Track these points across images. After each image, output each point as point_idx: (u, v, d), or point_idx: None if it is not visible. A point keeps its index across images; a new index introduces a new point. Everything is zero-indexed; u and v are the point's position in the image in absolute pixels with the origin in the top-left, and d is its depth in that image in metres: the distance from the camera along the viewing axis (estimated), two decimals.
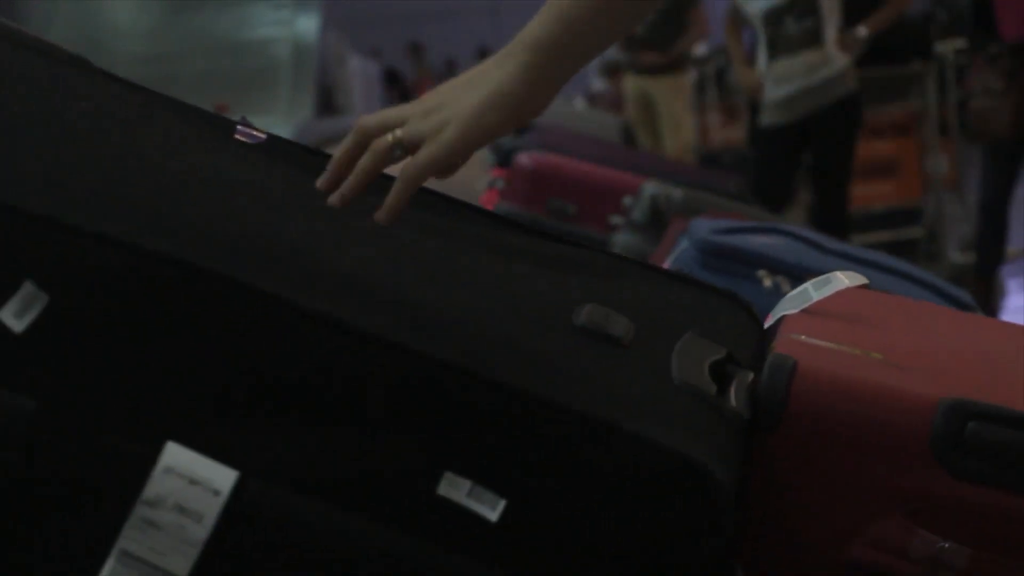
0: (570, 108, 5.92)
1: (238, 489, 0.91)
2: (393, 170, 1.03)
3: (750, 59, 5.10)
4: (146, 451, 0.90)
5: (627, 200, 2.65)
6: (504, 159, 3.19)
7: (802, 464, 1.02)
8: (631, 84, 6.69)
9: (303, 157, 1.15)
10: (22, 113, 1.06)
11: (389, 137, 0.97)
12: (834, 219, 4.74)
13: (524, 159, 3.02)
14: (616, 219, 2.68)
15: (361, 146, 0.99)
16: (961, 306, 1.92)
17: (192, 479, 0.90)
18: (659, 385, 1.00)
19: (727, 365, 1.06)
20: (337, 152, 0.99)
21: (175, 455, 0.90)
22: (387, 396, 0.93)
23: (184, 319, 0.92)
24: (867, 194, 6.05)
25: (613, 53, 9.45)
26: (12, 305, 0.90)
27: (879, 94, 6.01)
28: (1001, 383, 1.07)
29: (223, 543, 0.90)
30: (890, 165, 6.28)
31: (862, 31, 4.81)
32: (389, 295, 0.99)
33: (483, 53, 14.66)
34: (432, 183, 1.04)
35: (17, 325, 0.90)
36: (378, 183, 1.03)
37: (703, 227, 1.98)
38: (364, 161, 0.97)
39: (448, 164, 0.95)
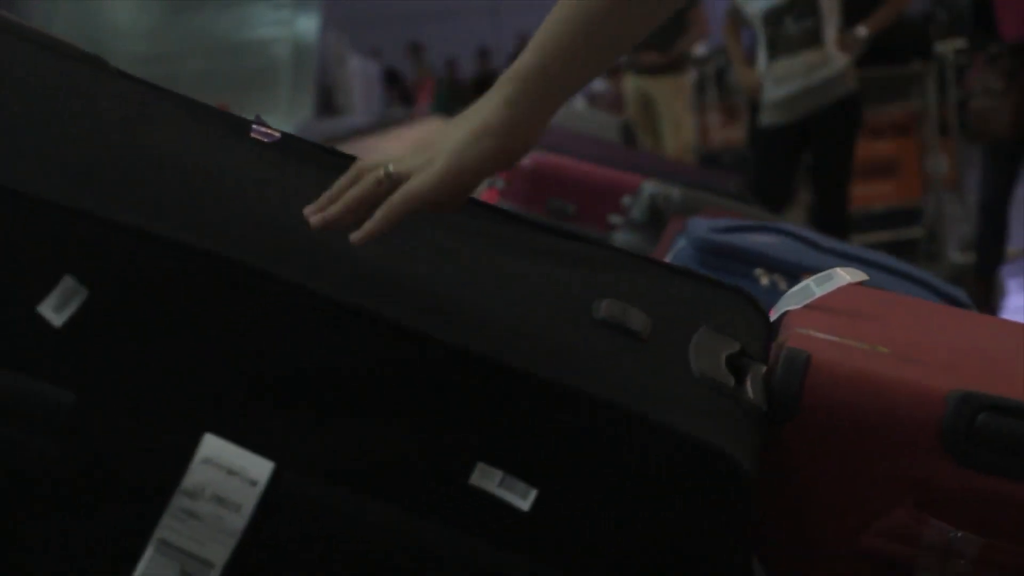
0: (570, 108, 5.92)
1: (274, 479, 0.92)
2: None
3: (750, 59, 5.10)
4: (183, 443, 0.92)
5: (626, 200, 2.65)
6: None
7: (815, 456, 1.05)
8: (631, 84, 6.69)
9: (318, 155, 1.17)
10: (55, 112, 1.09)
11: (380, 170, 0.98)
12: (834, 219, 4.74)
13: (524, 159, 3.02)
14: (615, 218, 2.68)
15: (354, 180, 1.00)
16: (957, 304, 1.93)
17: (230, 470, 0.92)
18: (680, 377, 1.03)
19: (741, 358, 1.08)
20: (332, 186, 1.01)
21: (213, 446, 0.92)
22: (420, 388, 0.94)
23: (219, 312, 0.93)
24: (867, 194, 6.05)
25: None
26: (52, 299, 0.91)
27: (879, 94, 6.02)
28: (1000, 377, 1.09)
29: (259, 533, 0.92)
30: (890, 165, 6.28)
31: (862, 31, 4.81)
32: (421, 289, 1.01)
33: (483, 53, 14.68)
34: None
35: (56, 319, 0.92)
36: None
37: (701, 226, 1.99)
38: (352, 190, 0.98)
39: (434, 195, 0.96)
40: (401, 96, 14.03)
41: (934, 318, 1.39)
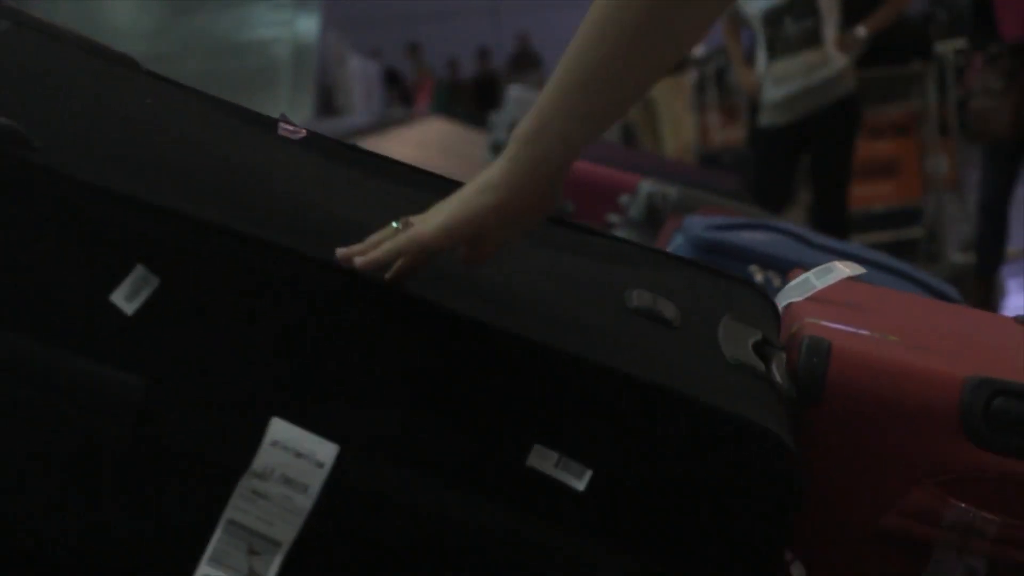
0: None
1: (338, 462, 0.95)
2: None
3: (749, 59, 5.10)
4: (251, 427, 0.95)
5: (624, 199, 2.66)
6: None
7: (837, 440, 1.08)
8: None
9: (342, 151, 1.22)
10: (111, 111, 1.13)
11: (400, 221, 1.02)
12: (834, 219, 4.74)
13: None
14: (613, 217, 2.69)
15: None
16: (947, 300, 1.97)
17: (297, 452, 0.95)
18: (716, 363, 1.07)
19: (764, 346, 1.12)
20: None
21: (280, 430, 0.95)
22: (479, 373, 0.98)
23: (284, 301, 0.97)
24: (867, 194, 6.05)
25: None
26: (124, 288, 0.95)
27: (879, 94, 6.02)
28: (1000, 364, 1.13)
29: (323, 513, 0.95)
30: (890, 165, 6.28)
31: (861, 31, 4.81)
32: (478, 282, 1.05)
33: (483, 53, 14.68)
34: None
35: (128, 307, 0.95)
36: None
37: (697, 224, 2.02)
38: (374, 236, 1.01)
39: (434, 242, 0.99)
40: (401, 96, 14.03)
41: (928, 311, 1.44)
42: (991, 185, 4.72)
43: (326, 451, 0.95)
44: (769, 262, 1.90)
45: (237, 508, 0.95)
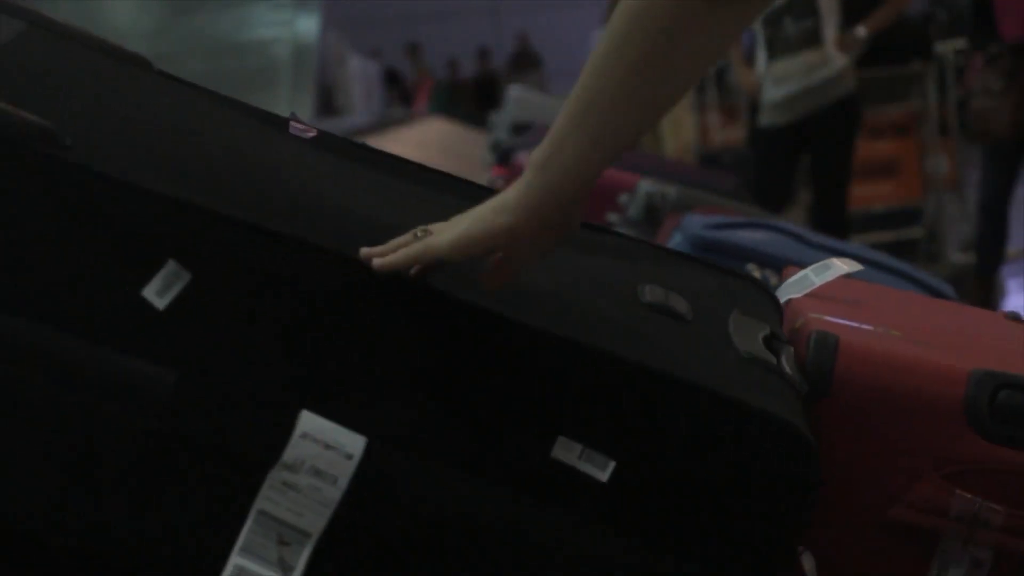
0: None
1: (366, 454, 0.97)
2: None
3: (749, 59, 5.10)
4: (281, 419, 0.97)
5: (623, 198, 2.66)
6: (504, 158, 3.19)
7: (845, 434, 1.09)
8: None
9: (353, 151, 1.24)
10: (136, 109, 1.16)
11: (420, 229, 1.03)
12: (834, 219, 4.75)
13: (523, 158, 3.02)
14: (612, 216, 2.69)
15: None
16: (942, 298, 1.98)
17: (327, 444, 0.96)
18: (730, 356, 1.09)
19: (773, 340, 1.14)
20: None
21: (310, 422, 0.97)
22: (505, 367, 1.00)
23: (312, 297, 0.99)
24: (867, 194, 6.05)
25: None
26: (155, 283, 0.96)
27: (879, 94, 6.02)
28: (999, 358, 1.15)
29: (351, 504, 0.97)
30: (890, 165, 6.28)
31: (861, 31, 4.81)
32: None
33: (483, 53, 14.67)
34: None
35: (160, 302, 0.96)
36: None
37: (695, 223, 2.03)
38: (395, 240, 1.03)
39: (444, 254, 1.00)
40: (401, 96, 14.03)
41: (926, 308, 1.45)
42: (991, 185, 4.72)
43: (355, 443, 0.97)
44: (767, 260, 1.91)
45: (268, 499, 0.96)
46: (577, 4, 12.62)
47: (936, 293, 2.01)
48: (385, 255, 1.00)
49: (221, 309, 0.98)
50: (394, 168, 1.24)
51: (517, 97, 4.81)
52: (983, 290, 4.70)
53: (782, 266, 1.68)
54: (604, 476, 0.99)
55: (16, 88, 1.03)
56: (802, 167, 5.08)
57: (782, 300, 1.28)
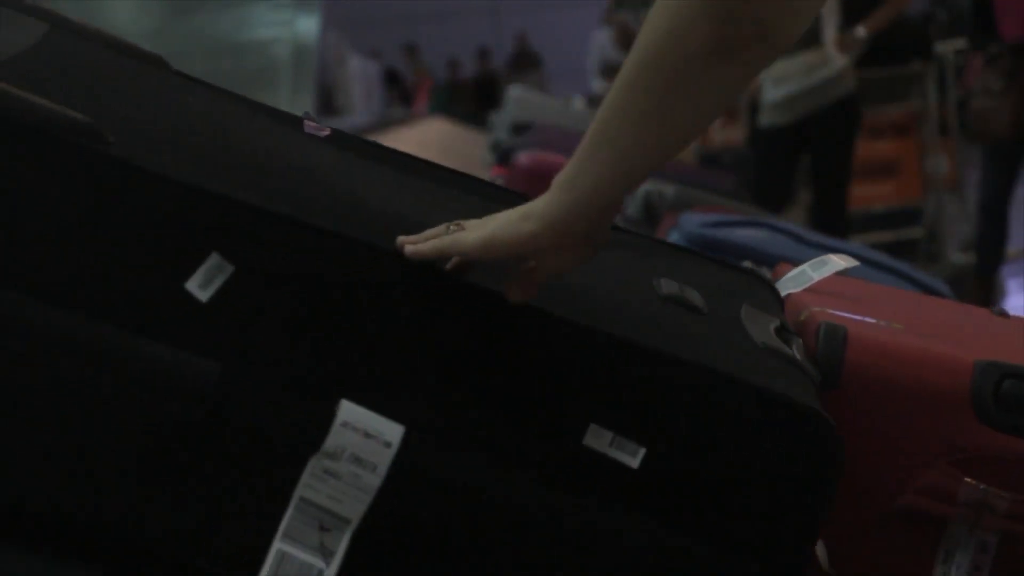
0: (570, 108, 5.92)
1: (403, 443, 0.99)
2: None
3: None
4: (322, 409, 0.99)
5: None
6: (504, 158, 3.20)
7: (854, 424, 1.11)
8: None
9: (367, 149, 1.25)
10: (168, 107, 1.18)
11: (452, 224, 1.05)
12: (834, 219, 4.75)
13: (523, 158, 3.03)
14: None
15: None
16: (937, 295, 2.01)
17: (366, 433, 0.98)
18: (748, 346, 1.11)
19: (783, 332, 1.16)
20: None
21: (350, 411, 0.99)
22: (538, 357, 1.02)
23: (349, 289, 1.00)
24: (867, 194, 6.06)
25: (613, 54, 9.44)
26: (198, 276, 0.98)
27: (879, 94, 6.02)
28: (999, 350, 1.17)
29: (388, 491, 0.99)
30: (890, 165, 6.29)
31: (861, 31, 4.81)
32: None
33: (483, 53, 14.67)
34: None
35: (202, 295, 0.98)
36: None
37: (692, 221, 2.05)
38: (428, 231, 1.05)
39: (467, 252, 1.02)
40: (401, 96, 14.04)
41: (922, 304, 1.49)
42: (991, 185, 4.72)
43: (393, 432, 0.99)
44: (763, 258, 1.91)
45: (309, 486, 0.98)
46: (577, 4, 12.63)
47: (932, 292, 2.03)
48: (416, 243, 1.02)
49: (263, 301, 0.99)
50: (409, 166, 1.26)
51: (517, 97, 4.80)
52: (983, 290, 4.70)
53: (777, 263, 1.68)
54: (635, 463, 1.01)
55: (56, 86, 1.05)
56: (802, 167, 5.08)
57: (782, 294, 1.30)
